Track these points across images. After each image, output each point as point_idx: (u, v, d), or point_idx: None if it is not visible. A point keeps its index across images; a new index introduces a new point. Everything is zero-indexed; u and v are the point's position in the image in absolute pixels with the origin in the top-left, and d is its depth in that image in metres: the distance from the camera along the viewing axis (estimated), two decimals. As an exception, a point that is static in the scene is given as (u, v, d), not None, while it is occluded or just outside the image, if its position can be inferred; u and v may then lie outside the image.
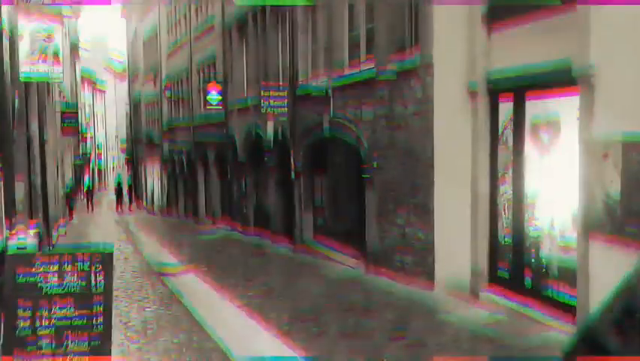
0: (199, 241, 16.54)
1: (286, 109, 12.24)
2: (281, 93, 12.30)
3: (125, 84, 47.58)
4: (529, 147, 6.22)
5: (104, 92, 61.52)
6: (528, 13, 5.96)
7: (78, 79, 44.62)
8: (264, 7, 14.48)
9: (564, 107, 6.22)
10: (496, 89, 6.49)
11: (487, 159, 6.63)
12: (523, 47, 6.03)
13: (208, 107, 17.86)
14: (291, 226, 13.15)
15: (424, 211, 7.77)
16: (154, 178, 32.66)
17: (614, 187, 4.94)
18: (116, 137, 63.91)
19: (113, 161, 65.34)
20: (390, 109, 8.56)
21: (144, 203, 36.09)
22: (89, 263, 4.14)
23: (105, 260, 4.16)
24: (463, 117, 6.82)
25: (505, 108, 6.46)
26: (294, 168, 12.49)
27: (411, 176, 8.09)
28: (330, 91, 10.55)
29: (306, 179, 12.38)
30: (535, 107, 6.25)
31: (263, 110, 12.22)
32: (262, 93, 12.33)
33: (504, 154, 6.54)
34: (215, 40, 19.49)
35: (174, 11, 25.83)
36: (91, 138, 52.29)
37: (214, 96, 17.58)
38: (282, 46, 14.00)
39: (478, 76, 6.55)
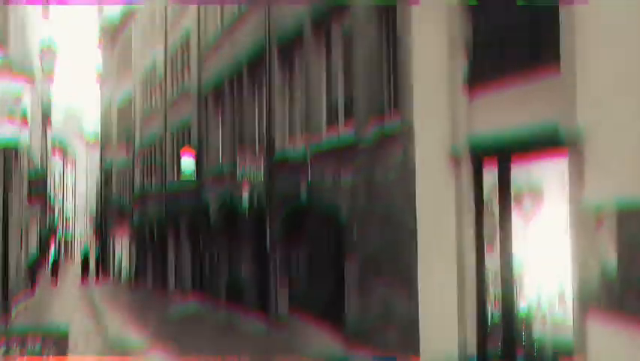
0: (167, 316, 15.70)
1: (262, 176, 11.92)
2: (257, 160, 12.02)
3: (98, 152, 47.12)
4: (516, 215, 5.96)
5: (75, 160, 60.80)
6: (511, 75, 5.84)
7: (49, 146, 44.02)
8: (240, 73, 14.45)
9: (552, 172, 6.03)
10: (480, 154, 6.27)
11: (472, 227, 6.33)
12: (507, 111, 5.87)
13: (180, 173, 17.46)
14: (266, 301, 12.54)
15: (408, 283, 7.35)
16: (123, 249, 31.67)
17: (611, 258, 4.65)
18: (86, 206, 62.74)
19: (81, 231, 63.73)
20: (371, 175, 8.29)
21: (112, 275, 34.87)
22: (40, 346, 3.63)
23: (59, 342, 3.64)
24: (446, 184, 6.57)
25: (490, 174, 6.23)
26: (269, 238, 12.04)
27: (393, 245, 7.72)
28: (308, 157, 10.30)
29: (282, 249, 11.91)
30: (522, 173, 6.03)
31: (238, 178, 11.88)
32: (238, 160, 12.03)
33: (490, 223, 6.25)
34: (190, 106, 19.38)
35: (150, 78, 25.87)
36: (59, 207, 51.14)
37: (188, 164, 17.24)
38: (258, 112, 13.87)
39: (461, 141, 6.35)
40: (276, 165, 11.83)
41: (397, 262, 7.60)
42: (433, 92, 6.82)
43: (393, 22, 8.00)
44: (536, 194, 6.35)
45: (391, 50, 8.25)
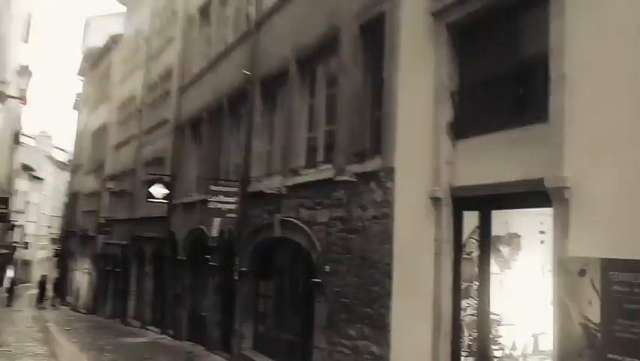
0: (124, 346, 15.03)
1: (235, 206, 11.68)
2: (231, 190, 11.80)
3: (67, 175, 46.17)
4: (495, 261, 5.87)
5: (43, 181, 59.39)
6: (496, 123, 5.84)
7: (16, 166, 42.99)
8: (221, 106, 14.34)
9: (534, 221, 5.99)
10: (461, 199, 6.20)
11: (450, 271, 6.20)
12: (491, 160, 5.84)
13: (150, 200, 17.06)
14: (229, 335, 12.10)
15: (380, 324, 7.14)
16: (83, 273, 30.63)
17: (593, 309, 4.55)
18: (49, 228, 60.95)
19: (42, 254, 61.72)
20: (348, 212, 8.16)
21: (69, 299, 33.62)
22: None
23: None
24: (425, 226, 6.46)
25: (470, 219, 6.15)
26: (237, 270, 11.71)
27: (366, 284, 7.53)
28: (283, 190, 10.14)
29: (249, 282, 11.58)
30: (503, 220, 5.98)
31: (211, 206, 11.61)
32: (211, 188, 11.79)
33: (468, 267, 6.13)
34: (166, 135, 19.13)
35: (127, 105, 25.61)
36: (21, 227, 49.61)
37: (158, 189, 16.89)
38: (236, 144, 13.73)
39: (442, 185, 6.28)
40: (251, 197, 11.62)
41: (370, 303, 7.40)
42: (417, 137, 6.79)
43: (379, 67, 8.04)
44: (516, 241, 6.30)
45: (376, 92, 8.27)
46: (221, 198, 11.71)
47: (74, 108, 44.53)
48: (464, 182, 6.14)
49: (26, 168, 51.10)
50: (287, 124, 10.66)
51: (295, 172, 10.10)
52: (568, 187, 4.84)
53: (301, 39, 10.16)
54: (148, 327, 18.49)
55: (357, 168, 8.07)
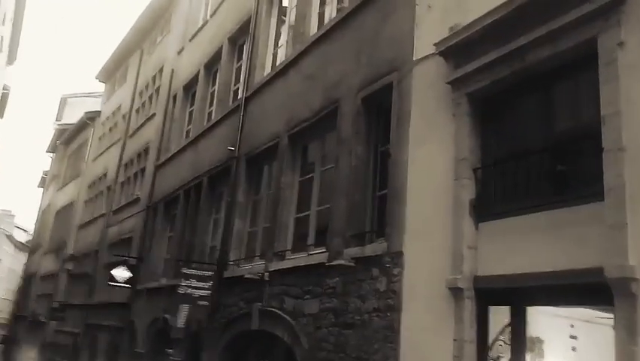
0: None
1: (208, 293, 10.43)
2: (206, 274, 10.59)
3: (26, 257, 43.76)
4: (533, 367, 4.84)
5: (-2, 261, 56.24)
6: (530, 203, 5.04)
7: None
8: (199, 184, 13.43)
9: (562, 324, 5.07)
10: (487, 291, 5.26)
11: (474, 377, 5.11)
12: (524, 242, 4.97)
13: (111, 283, 15.57)
14: None
15: None
16: (28, 365, 27.89)
17: None
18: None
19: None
20: (343, 302, 7.09)
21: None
22: None
23: None
24: (442, 322, 5.45)
25: (499, 316, 5.17)
26: (205, 367, 10.26)
27: (364, 391, 6.33)
28: (266, 276, 9.03)
29: (219, 382, 10.10)
30: (543, 319, 5.02)
31: (181, 291, 10.34)
32: (183, 271, 10.57)
33: (498, 373, 5.07)
34: (136, 214, 17.97)
35: (98, 184, 24.51)
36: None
37: (122, 272, 15.47)
38: (214, 226, 12.68)
39: (464, 273, 5.35)
40: (227, 283, 10.43)
41: (368, 415, 6.17)
42: (432, 217, 5.95)
43: (384, 140, 7.35)
44: (538, 347, 5.32)
45: (379, 168, 7.51)
46: (194, 282, 10.48)
47: (39, 186, 43.08)
48: (491, 271, 5.22)
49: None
50: (273, 203, 9.75)
51: (281, 256, 9.06)
52: (635, 279, 3.96)
53: (295, 113, 9.51)
54: None
55: (355, 251, 7.10)
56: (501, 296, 5.16)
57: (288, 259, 8.88)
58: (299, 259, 8.49)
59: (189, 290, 10.42)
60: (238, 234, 10.95)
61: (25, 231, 63.12)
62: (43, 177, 41.96)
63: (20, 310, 34.79)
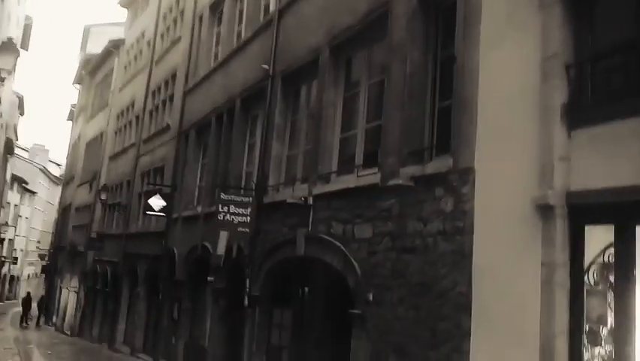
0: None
1: (249, 219, 9.95)
2: (245, 200, 10.08)
3: (60, 188, 44.42)
4: (640, 295, 4.16)
5: (35, 195, 57.40)
6: (636, 101, 4.21)
7: (7, 177, 41.25)
8: (232, 107, 12.72)
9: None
10: (582, 207, 4.52)
11: (566, 308, 4.48)
12: (630, 150, 4.17)
13: (147, 213, 15.32)
14: (235, 370, 10.28)
15: (451, 375, 5.39)
16: (70, 292, 28.65)
17: None
18: (38, 242, 58.76)
19: (29, 270, 59.43)
20: (400, 225, 6.46)
21: (54, 319, 31.59)
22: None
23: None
24: (526, 244, 4.77)
25: (597, 237, 4.46)
26: (248, 294, 9.93)
27: (430, 319, 5.80)
28: (310, 200, 8.43)
29: (263, 310, 9.78)
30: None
31: (220, 218, 9.87)
32: (221, 197, 10.07)
33: (596, 303, 4.42)
34: (167, 143, 17.49)
35: (127, 113, 24.02)
36: (9, 241, 47.63)
37: (157, 201, 15.15)
38: (250, 151, 12.07)
39: (556, 188, 4.60)
40: (267, 209, 9.91)
41: (436, 345, 5.66)
42: (511, 127, 5.16)
43: (447, 44, 6.47)
44: None
45: (440, 76, 6.66)
46: (232, 209, 9.99)
47: (69, 119, 43.00)
48: (587, 185, 4.47)
49: (18, 180, 49.21)
50: (315, 123, 9.02)
51: (326, 179, 8.42)
52: None
53: (337, 22, 8.58)
54: (138, 355, 16.56)
55: (414, 170, 6.39)
56: (600, 213, 4.43)
57: (335, 181, 8.24)
58: (347, 182, 7.84)
59: (228, 217, 9.95)
60: (276, 158, 10.32)
61: (59, 165, 64.03)
62: (71, 109, 41.78)
63: (59, 241, 35.54)
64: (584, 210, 4.50)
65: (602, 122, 4.46)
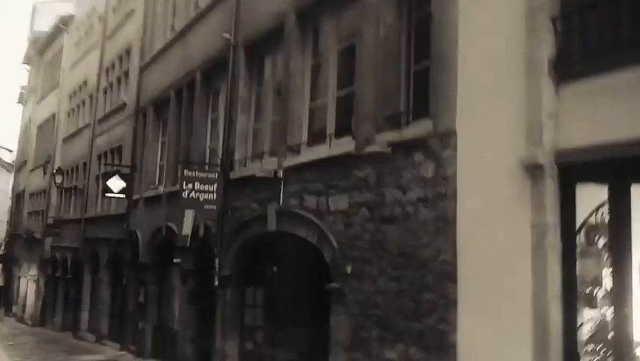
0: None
1: (215, 196, 9.54)
2: (210, 176, 9.65)
3: (12, 175, 42.65)
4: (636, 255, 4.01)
5: (-14, 182, 55.02)
6: (630, 54, 4.00)
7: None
8: (192, 82, 12.16)
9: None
10: (573, 166, 4.33)
11: (558, 271, 4.31)
12: (623, 103, 3.98)
13: (107, 195, 14.68)
14: (207, 352, 9.94)
15: (438, 345, 5.20)
16: (29, 280, 27.64)
17: None
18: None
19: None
20: (378, 195, 6.20)
21: (14, 310, 30.51)
22: None
23: None
24: (514, 207, 4.57)
25: (590, 196, 4.28)
26: (218, 275, 9.56)
27: (412, 291, 5.58)
28: (280, 173, 8.08)
29: (234, 289, 9.45)
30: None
31: (185, 195, 9.43)
32: (184, 174, 9.60)
33: (589, 265, 4.26)
34: (124, 121, 16.76)
35: (79, 93, 22.99)
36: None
37: (116, 182, 14.52)
38: (211, 126, 11.58)
39: (544, 147, 4.39)
40: (234, 185, 9.52)
41: (420, 317, 5.45)
42: (494, 84, 4.92)
43: (421, 2, 6.16)
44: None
45: (414, 38, 6.37)
46: (197, 186, 9.54)
47: (19, 102, 41.14)
48: (577, 142, 4.27)
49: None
50: (282, 94, 8.61)
51: (296, 150, 8.08)
52: None
53: (303, -16, 8.16)
54: (104, 342, 16.03)
55: (391, 136, 6.12)
56: (592, 171, 4.25)
57: (305, 152, 7.90)
58: (318, 152, 7.52)
59: (193, 194, 9.51)
60: (242, 132, 9.88)
61: (10, 151, 61.59)
62: (21, 92, 39.94)
63: (14, 229, 34.21)
64: (574, 168, 4.31)
65: (591, 76, 4.26)
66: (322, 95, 7.99)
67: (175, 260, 11.58)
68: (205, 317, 10.29)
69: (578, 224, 4.31)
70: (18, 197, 33.80)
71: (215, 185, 9.62)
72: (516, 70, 4.66)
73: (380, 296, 6.00)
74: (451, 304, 5.08)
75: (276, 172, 8.18)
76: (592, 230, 4.25)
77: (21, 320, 27.40)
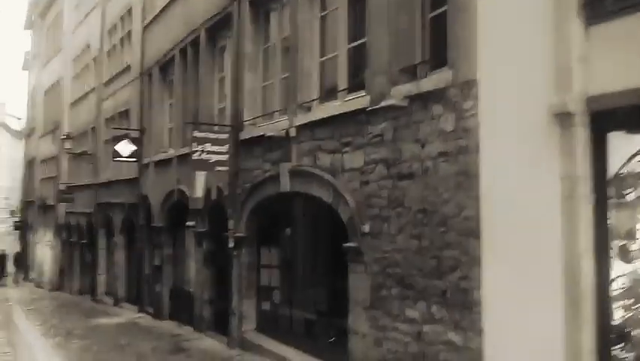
0: (95, 329, 12.81)
1: (227, 157, 9.36)
2: (221, 136, 9.45)
3: (23, 143, 42.70)
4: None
5: (-3, 150, 55.23)
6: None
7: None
8: (196, 40, 11.82)
9: None
10: (605, 114, 4.07)
11: (590, 223, 4.10)
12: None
13: (116, 159, 14.56)
14: (223, 314, 9.96)
15: (461, 303, 5.08)
16: (45, 246, 27.96)
17: None
18: (7, 199, 57.23)
19: (0, 226, 58.10)
20: (395, 150, 5.98)
21: (32, 275, 31.01)
22: None
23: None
24: (542, 158, 4.34)
25: (623, 144, 4.03)
26: (232, 236, 9.47)
27: (434, 248, 5.43)
28: (292, 132, 7.86)
29: (249, 250, 9.37)
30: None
31: (196, 157, 9.25)
32: (194, 135, 9.40)
33: (623, 217, 4.05)
34: (130, 84, 16.49)
35: (82, 56, 22.64)
36: (-25, 200, 46.17)
37: (125, 146, 14.38)
38: (219, 86, 11.31)
39: (574, 93, 4.12)
40: (245, 145, 9.32)
41: (442, 274, 5.31)
42: (517, 29, 4.61)
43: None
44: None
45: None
46: (208, 147, 9.34)
47: (24, 69, 40.79)
48: (609, 87, 3.99)
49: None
50: (290, 48, 8.30)
51: (307, 108, 7.82)
52: None
53: None
54: (122, 304, 16.23)
55: (408, 88, 5.84)
56: (625, 119, 3.98)
57: (317, 110, 7.65)
58: (331, 108, 7.27)
59: (204, 155, 9.33)
60: (251, 90, 9.61)
61: (19, 118, 61.56)
62: (26, 58, 39.53)
63: (28, 196, 34.44)
64: (606, 115, 4.05)
65: (624, 15, 3.94)
66: (333, 48, 7.67)
67: (188, 224, 11.53)
68: (221, 278, 10.28)
69: (610, 175, 4.08)
70: (29, 164, 33.92)
71: (227, 145, 9.42)
72: (542, 10, 4.34)
73: (400, 254, 5.86)
74: (474, 261, 4.92)
75: (287, 131, 7.96)
76: (625, 181, 4.02)
77: (39, 285, 27.87)
